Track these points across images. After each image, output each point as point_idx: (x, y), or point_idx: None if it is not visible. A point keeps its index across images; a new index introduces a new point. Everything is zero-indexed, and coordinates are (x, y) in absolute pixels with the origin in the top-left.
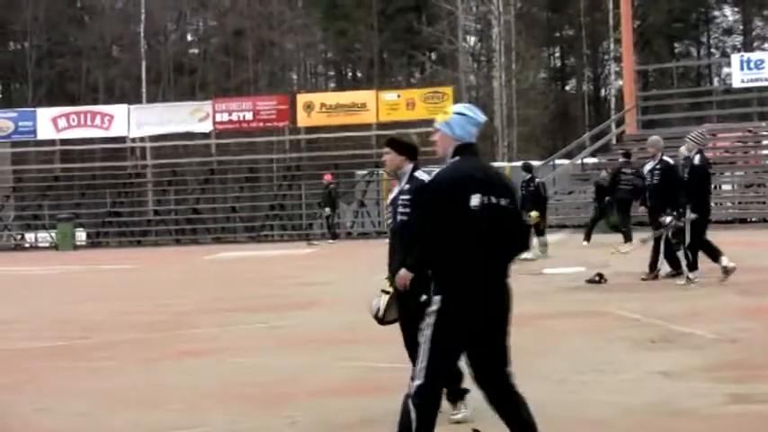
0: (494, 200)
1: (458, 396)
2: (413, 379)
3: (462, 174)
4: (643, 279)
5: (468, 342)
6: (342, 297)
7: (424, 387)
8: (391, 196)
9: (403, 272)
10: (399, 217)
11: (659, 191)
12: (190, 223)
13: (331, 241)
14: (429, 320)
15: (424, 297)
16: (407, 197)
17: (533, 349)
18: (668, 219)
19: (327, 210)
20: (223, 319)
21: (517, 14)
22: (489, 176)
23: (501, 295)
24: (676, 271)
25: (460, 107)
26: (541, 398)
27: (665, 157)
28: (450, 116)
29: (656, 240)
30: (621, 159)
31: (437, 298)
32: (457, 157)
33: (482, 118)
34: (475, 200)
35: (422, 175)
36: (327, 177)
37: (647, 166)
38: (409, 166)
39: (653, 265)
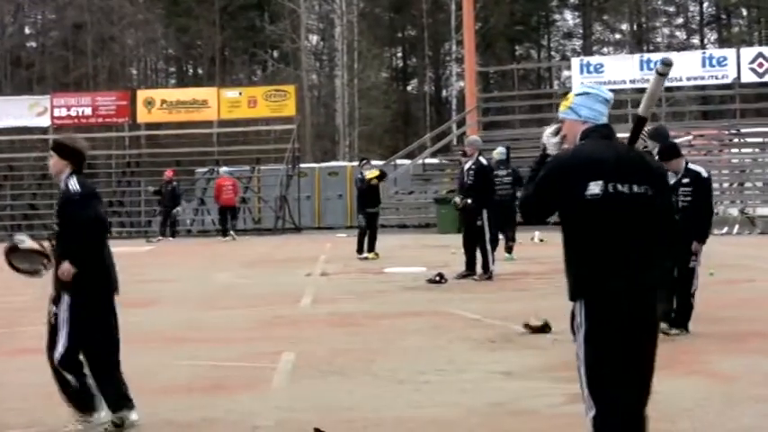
0: (623, 187)
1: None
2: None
3: (579, 159)
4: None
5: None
6: (184, 295)
7: (597, 417)
8: None
9: None
10: None
11: (474, 190)
12: (26, 219)
13: (171, 238)
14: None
15: None
16: None
17: (374, 348)
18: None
19: (179, 209)
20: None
21: (360, 14)
22: (623, 160)
23: (647, 308)
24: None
25: (581, 87)
26: (383, 398)
27: (481, 158)
28: (571, 100)
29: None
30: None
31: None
32: (582, 142)
33: (608, 94)
34: (595, 188)
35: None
36: (169, 174)
37: (465, 166)
38: (68, 171)
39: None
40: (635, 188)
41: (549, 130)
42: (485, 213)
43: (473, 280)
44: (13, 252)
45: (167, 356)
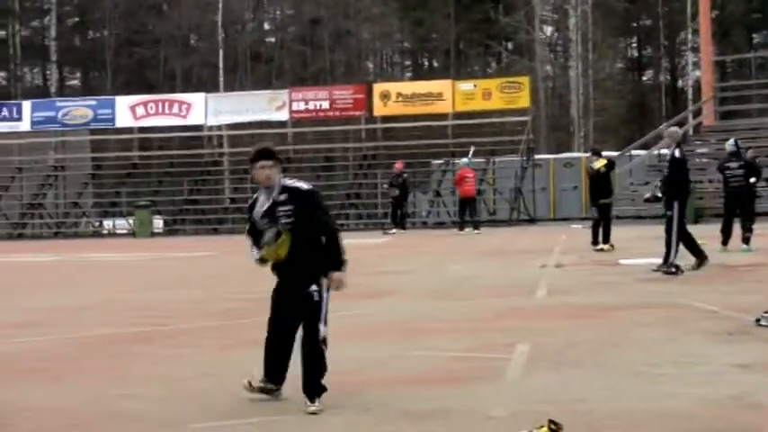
0: None
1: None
2: None
3: None
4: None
5: None
6: (418, 286)
7: None
8: None
9: None
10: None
11: (667, 180)
12: None
13: (402, 231)
14: None
15: None
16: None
17: (609, 341)
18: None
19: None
20: None
21: (594, 4)
22: None
23: None
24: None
25: None
26: (618, 389)
27: (676, 150)
28: None
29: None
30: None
31: None
32: None
33: None
34: None
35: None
36: (399, 165)
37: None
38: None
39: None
40: None
41: None
42: (675, 205)
43: (652, 271)
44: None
45: (401, 347)
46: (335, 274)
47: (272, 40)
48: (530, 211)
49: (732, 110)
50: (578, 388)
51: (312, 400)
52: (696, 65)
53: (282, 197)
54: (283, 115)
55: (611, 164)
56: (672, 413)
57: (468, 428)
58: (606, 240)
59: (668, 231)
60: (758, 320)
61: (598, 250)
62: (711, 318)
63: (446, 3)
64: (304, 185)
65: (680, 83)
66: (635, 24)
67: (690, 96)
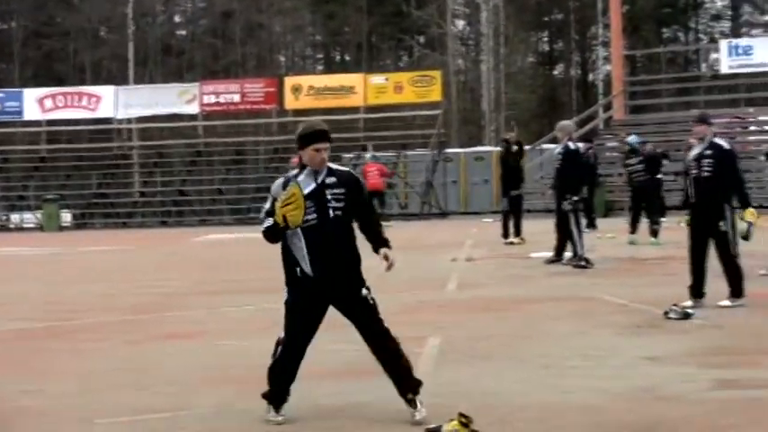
0: None
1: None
2: None
3: None
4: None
5: None
6: None
7: None
8: None
9: None
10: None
11: (560, 174)
12: (176, 205)
13: None
14: None
15: None
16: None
17: (520, 334)
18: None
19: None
20: (210, 302)
21: None
22: None
23: None
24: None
25: None
26: (529, 383)
27: (570, 143)
28: None
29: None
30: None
31: None
32: None
33: None
34: None
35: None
36: (295, 160)
37: (555, 151)
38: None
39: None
40: None
41: None
42: (572, 198)
43: (562, 265)
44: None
45: (313, 341)
46: (389, 252)
47: (183, 32)
48: (441, 205)
49: (642, 104)
50: (490, 381)
51: (414, 401)
52: (607, 59)
53: (331, 180)
54: (194, 108)
55: (520, 152)
56: (583, 406)
57: (380, 422)
58: (517, 234)
59: (564, 225)
60: (667, 313)
61: (509, 243)
62: (621, 311)
63: None
64: (351, 170)
65: (591, 77)
66: (546, 19)
67: (600, 90)
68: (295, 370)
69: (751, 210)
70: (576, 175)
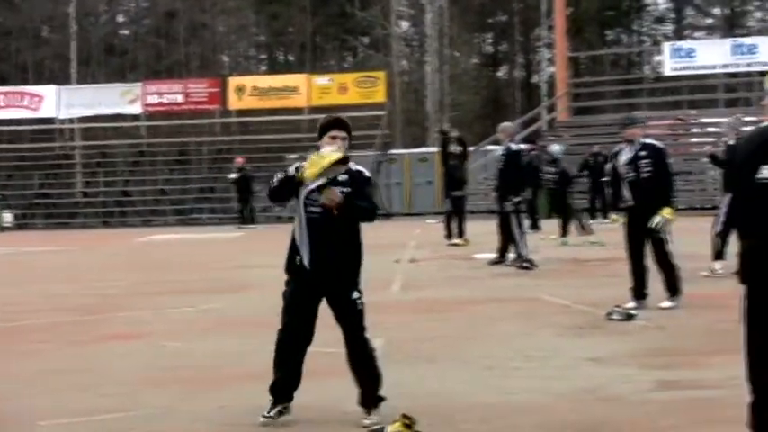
0: None
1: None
2: None
3: (754, 142)
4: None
5: None
6: (273, 280)
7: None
8: None
9: None
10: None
11: (502, 176)
12: (119, 205)
13: (253, 226)
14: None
15: None
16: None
17: (464, 335)
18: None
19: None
20: (154, 303)
21: (450, 0)
22: None
23: None
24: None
25: None
26: (472, 383)
27: (512, 144)
28: None
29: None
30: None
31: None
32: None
33: None
34: (766, 171)
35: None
36: (240, 160)
37: (497, 152)
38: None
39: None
40: None
41: None
42: (514, 199)
43: (506, 266)
44: None
45: (257, 342)
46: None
47: (127, 32)
48: (385, 206)
49: (586, 106)
50: (433, 382)
51: (370, 411)
52: (551, 61)
53: (343, 177)
54: (137, 108)
55: (464, 153)
56: (526, 407)
57: (321, 423)
58: (461, 235)
59: (506, 226)
60: (609, 314)
61: (452, 245)
62: (564, 312)
63: None
64: (366, 171)
65: (534, 79)
66: (490, 20)
67: (544, 92)
68: (291, 363)
69: (670, 209)
70: (517, 177)
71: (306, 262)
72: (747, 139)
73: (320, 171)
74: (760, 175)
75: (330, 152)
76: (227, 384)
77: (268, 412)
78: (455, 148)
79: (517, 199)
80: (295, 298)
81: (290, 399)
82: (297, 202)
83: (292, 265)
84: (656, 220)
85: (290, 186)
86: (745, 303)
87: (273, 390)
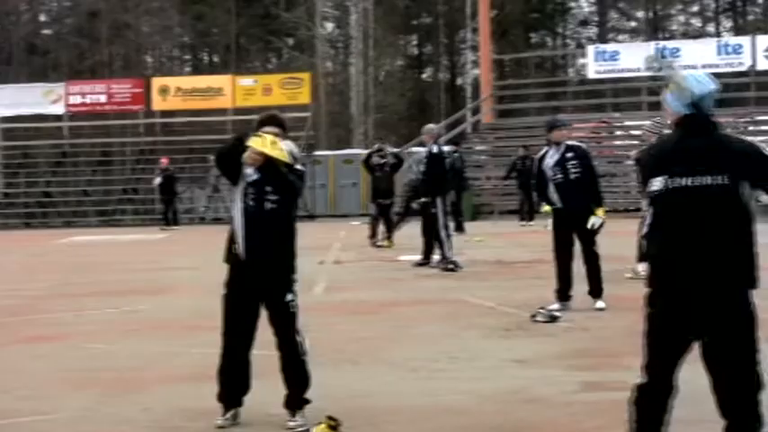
0: (688, 182)
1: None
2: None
3: (651, 154)
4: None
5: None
6: (196, 282)
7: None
8: None
9: None
10: None
11: (425, 177)
12: (40, 206)
13: (176, 227)
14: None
15: None
16: None
17: (388, 336)
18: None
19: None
20: (76, 304)
21: (375, 1)
22: (692, 152)
23: (715, 301)
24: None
25: (680, 77)
26: (397, 385)
27: (434, 146)
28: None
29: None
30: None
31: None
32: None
33: (702, 90)
34: (656, 184)
35: None
36: (164, 161)
37: (422, 154)
38: None
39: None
40: (702, 180)
41: None
42: (438, 201)
43: (431, 268)
44: None
45: (180, 344)
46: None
47: (49, 32)
48: (309, 208)
49: (510, 108)
50: (358, 384)
51: (294, 414)
52: (475, 63)
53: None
54: (59, 109)
55: (398, 163)
56: (451, 408)
57: (245, 426)
58: (388, 237)
59: (431, 228)
60: (534, 316)
61: (377, 246)
62: (489, 314)
63: None
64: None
65: (459, 81)
66: (415, 22)
67: (469, 94)
68: (238, 368)
69: (603, 209)
70: (439, 178)
71: (241, 250)
72: (644, 153)
73: (262, 151)
74: (651, 188)
75: (282, 148)
76: (151, 386)
77: (223, 415)
78: (379, 160)
79: (424, 200)
80: (234, 301)
81: (240, 404)
82: (234, 192)
83: (230, 255)
84: (593, 220)
85: (237, 155)
86: (646, 303)
87: (222, 397)
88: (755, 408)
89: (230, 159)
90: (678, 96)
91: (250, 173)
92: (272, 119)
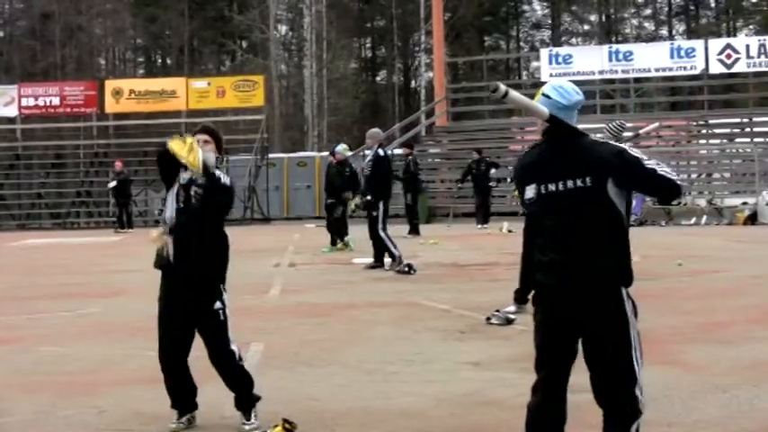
0: (556, 187)
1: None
2: None
3: (521, 164)
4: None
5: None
6: (150, 285)
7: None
8: None
9: None
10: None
11: (370, 181)
12: None
13: (130, 230)
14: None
15: None
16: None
17: (343, 339)
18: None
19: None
20: (29, 307)
21: (329, 4)
22: (561, 157)
23: (589, 299)
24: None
25: (548, 87)
26: (351, 388)
27: (380, 149)
28: (538, 97)
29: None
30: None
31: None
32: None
33: (571, 99)
34: (530, 192)
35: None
36: (118, 164)
37: (367, 158)
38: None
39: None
40: (570, 183)
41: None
42: (380, 204)
43: (385, 270)
44: None
45: (133, 346)
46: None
47: (1, 34)
48: (263, 210)
49: (464, 111)
50: (312, 387)
51: (248, 415)
52: (429, 66)
53: (202, 181)
54: (12, 111)
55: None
56: (406, 411)
57: (200, 429)
58: (341, 239)
59: (373, 231)
60: (489, 319)
61: (335, 249)
62: (443, 316)
63: (180, 0)
64: (226, 178)
65: (413, 83)
66: (369, 25)
67: (423, 97)
68: (177, 375)
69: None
70: (383, 181)
71: (170, 252)
72: (517, 163)
73: (180, 153)
74: (526, 196)
75: (198, 156)
76: (105, 389)
77: (178, 419)
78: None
79: (368, 198)
80: (167, 308)
81: (195, 407)
82: (168, 194)
83: (161, 258)
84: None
85: (169, 158)
86: (533, 304)
87: (174, 404)
88: (634, 400)
89: (166, 165)
90: (546, 104)
91: (185, 177)
92: (204, 128)
